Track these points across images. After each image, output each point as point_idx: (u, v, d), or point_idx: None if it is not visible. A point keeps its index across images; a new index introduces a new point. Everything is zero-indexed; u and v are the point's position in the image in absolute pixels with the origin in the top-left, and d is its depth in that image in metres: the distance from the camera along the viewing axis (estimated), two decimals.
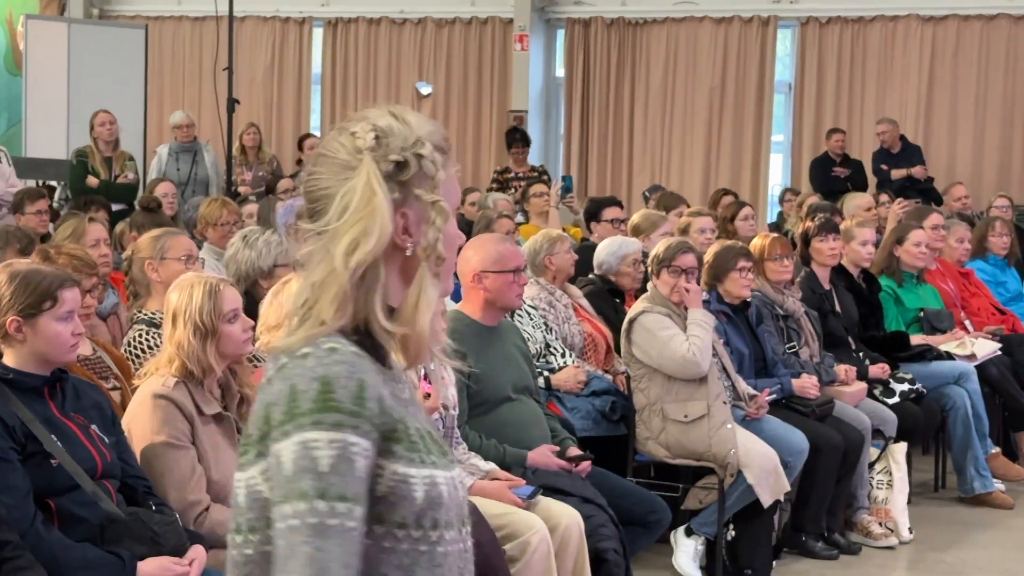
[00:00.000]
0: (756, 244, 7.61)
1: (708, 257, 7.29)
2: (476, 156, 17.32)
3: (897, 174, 14.06)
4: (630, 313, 6.85)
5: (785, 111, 16.49)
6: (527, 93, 16.98)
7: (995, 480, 8.20)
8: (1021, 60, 15.17)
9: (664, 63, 16.56)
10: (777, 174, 16.63)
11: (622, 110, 16.79)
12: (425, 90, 17.43)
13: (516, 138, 14.46)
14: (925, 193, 13.83)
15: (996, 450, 8.43)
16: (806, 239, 8.06)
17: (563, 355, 7.12)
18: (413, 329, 2.11)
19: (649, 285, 6.97)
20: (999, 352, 8.44)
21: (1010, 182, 15.11)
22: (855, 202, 10.22)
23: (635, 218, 9.03)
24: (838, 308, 8.03)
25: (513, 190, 13.44)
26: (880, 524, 7.36)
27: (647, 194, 12.61)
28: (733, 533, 6.74)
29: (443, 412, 5.34)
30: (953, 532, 7.62)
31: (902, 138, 14.40)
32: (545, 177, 14.45)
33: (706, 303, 7.16)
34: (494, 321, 5.95)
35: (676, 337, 6.61)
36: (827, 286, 8.04)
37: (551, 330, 7.24)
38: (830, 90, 15.98)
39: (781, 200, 13.38)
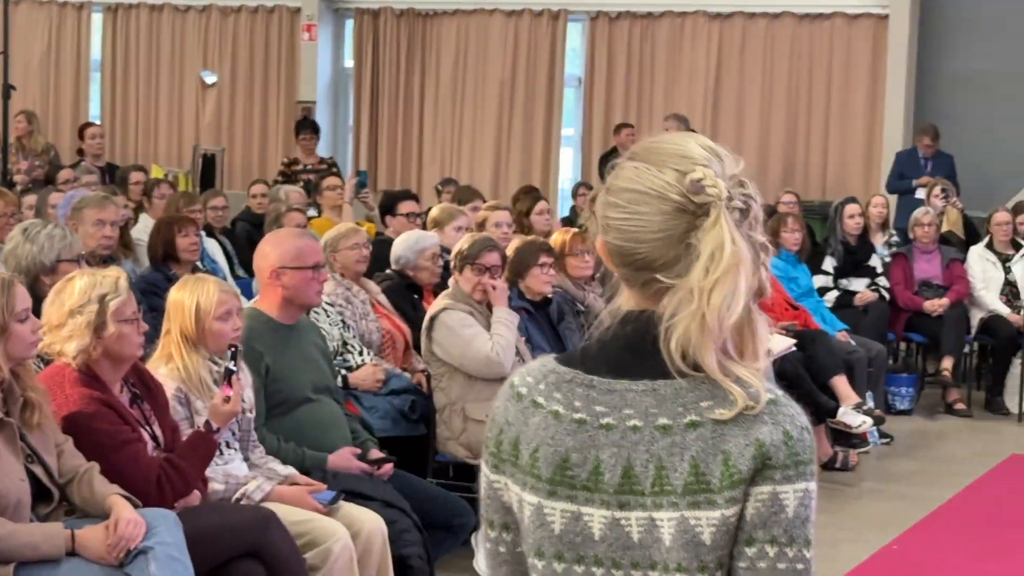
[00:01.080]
0: (557, 240, 7.51)
1: (509, 252, 7.16)
2: (263, 147, 17.00)
3: None
4: (431, 310, 6.68)
5: (575, 105, 16.50)
6: (315, 83, 16.72)
7: None
8: (804, 58, 15.41)
9: (454, 55, 16.44)
10: (568, 168, 16.64)
11: (412, 102, 16.62)
12: (210, 79, 17.02)
13: (305, 127, 14.16)
14: None
15: None
16: None
17: (361, 353, 6.91)
18: (760, 366, 2.04)
19: (451, 281, 6.81)
20: (793, 348, 8.47)
21: (794, 177, 15.35)
22: None
23: (434, 212, 8.86)
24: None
25: (301, 182, 13.14)
26: None
27: (439, 187, 12.45)
28: None
29: (239, 415, 5.10)
30: None
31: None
32: (335, 169, 14.19)
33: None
34: (292, 319, 5.72)
35: (479, 336, 6.46)
36: None
37: (348, 327, 7.02)
38: (620, 85, 16.03)
39: (574, 194, 13.34)
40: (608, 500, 2.02)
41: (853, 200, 11.31)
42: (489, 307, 6.68)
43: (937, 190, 12.31)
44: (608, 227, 2.06)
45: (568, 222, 11.92)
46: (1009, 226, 11.26)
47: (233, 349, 4.97)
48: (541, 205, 10.10)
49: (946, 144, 14.05)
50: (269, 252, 5.65)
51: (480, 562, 6.51)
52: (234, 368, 4.93)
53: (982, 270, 11.12)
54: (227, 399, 4.88)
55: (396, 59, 16.61)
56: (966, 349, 11.18)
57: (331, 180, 10.54)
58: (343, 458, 5.58)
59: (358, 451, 5.67)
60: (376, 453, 5.77)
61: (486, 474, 2.16)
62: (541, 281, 7.08)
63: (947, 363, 10.61)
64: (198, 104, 17.25)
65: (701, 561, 1.99)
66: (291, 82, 16.88)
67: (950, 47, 14.84)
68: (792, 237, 9.88)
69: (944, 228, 11.75)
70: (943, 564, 7.14)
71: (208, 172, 15.41)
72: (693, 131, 14.09)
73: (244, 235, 10.66)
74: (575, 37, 16.45)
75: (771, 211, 11.02)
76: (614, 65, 16.04)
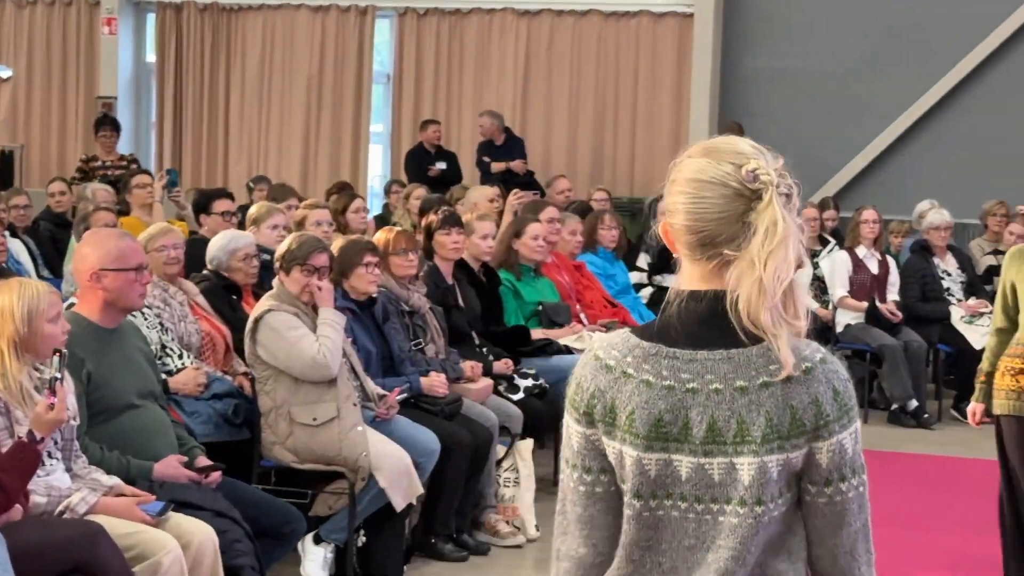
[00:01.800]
0: (380, 238, 7.37)
1: (332, 252, 7.00)
2: (61, 143, 16.53)
3: (497, 167, 14.12)
4: (255, 311, 6.50)
5: (384, 101, 16.36)
6: (116, 79, 16.30)
7: None
8: (611, 56, 15.50)
9: (260, 51, 16.19)
10: (377, 165, 16.49)
11: (217, 98, 16.32)
12: (4, 73, 16.46)
13: (105, 124, 13.76)
14: (527, 186, 13.89)
15: None
16: (429, 232, 7.87)
17: (180, 356, 6.68)
18: (801, 324, 2.47)
19: (275, 282, 6.63)
20: None
21: (603, 174, 15.44)
22: (479, 194, 10.11)
23: (252, 210, 8.65)
24: (461, 303, 7.88)
25: (99, 179, 12.77)
26: (508, 523, 7.26)
27: (251, 184, 12.22)
28: (364, 539, 6.50)
29: (63, 423, 4.88)
30: None
31: (506, 130, 14.47)
32: (135, 167, 13.82)
33: None
34: (114, 323, 5.51)
35: (305, 338, 6.31)
36: (451, 280, 7.89)
37: (167, 330, 6.78)
38: (428, 81, 15.94)
39: (387, 192, 13.22)
40: (695, 449, 2.46)
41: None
42: (315, 308, 6.53)
43: None
44: (676, 211, 2.51)
45: (381, 220, 11.80)
46: (816, 222, 11.46)
47: (58, 354, 4.75)
48: (357, 203, 9.94)
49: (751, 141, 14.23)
50: (89, 254, 5.42)
51: (307, 567, 6.38)
52: (59, 374, 4.71)
53: None
54: (51, 407, 4.66)
55: (200, 54, 16.28)
56: None
57: (140, 178, 10.22)
58: (170, 466, 5.38)
59: (185, 459, 5.48)
60: (203, 460, 5.58)
61: (579, 430, 2.55)
62: (366, 281, 6.94)
63: None
64: None
65: (768, 493, 2.45)
66: (91, 77, 16.43)
67: (753, 45, 15.07)
68: (609, 234, 9.90)
69: None
70: None
71: (5, 169, 14.91)
72: (508, 128, 14.18)
73: (47, 235, 10.33)
74: (383, 33, 16.31)
75: (586, 209, 11.06)
76: (423, 62, 15.95)
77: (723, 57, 15.14)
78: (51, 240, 10.23)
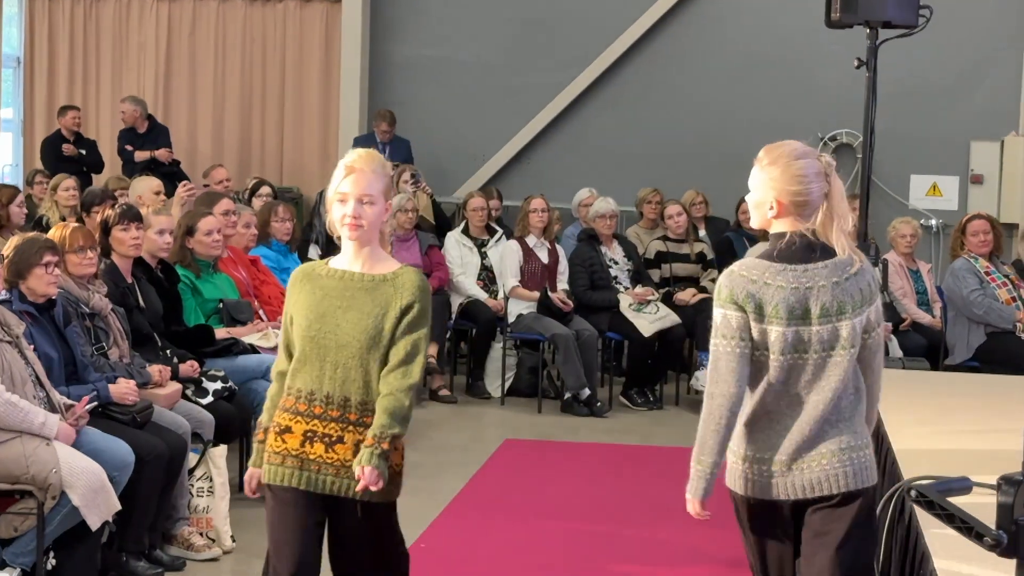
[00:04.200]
0: (55, 235, 6.83)
1: (7, 251, 6.45)
2: None
3: (141, 156, 13.51)
4: None
5: (15, 86, 15.46)
6: None
7: None
8: (257, 42, 15.09)
9: None
10: (7, 153, 15.57)
11: None
12: None
13: None
14: (171, 176, 13.34)
15: None
16: (106, 228, 7.37)
17: None
18: (850, 240, 4.32)
19: None
20: None
21: (251, 162, 15.03)
22: (143, 186, 9.56)
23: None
24: (142, 303, 7.41)
25: None
26: (202, 534, 6.86)
27: None
28: (54, 561, 6.00)
29: None
30: None
31: (150, 118, 13.86)
32: None
33: (7, 303, 6.34)
34: None
35: None
36: (130, 279, 7.40)
37: None
38: (63, 65, 15.17)
39: (31, 182, 12.45)
40: (814, 322, 4.17)
41: None
42: None
43: (406, 175, 12.30)
44: (786, 191, 4.21)
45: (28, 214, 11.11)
46: (484, 211, 11.39)
47: None
48: (20, 196, 9.28)
49: (401, 130, 14.12)
50: None
51: None
52: None
53: (460, 255, 11.20)
54: None
55: None
56: (448, 335, 11.22)
57: None
58: None
59: None
60: None
61: (739, 315, 4.15)
62: (46, 282, 6.40)
63: (431, 350, 10.59)
64: None
65: (856, 340, 4.19)
66: None
67: (402, 33, 14.92)
68: (283, 227, 9.56)
69: None
70: (477, 557, 7.04)
71: None
72: (151, 115, 13.59)
73: None
74: (11, 15, 15.40)
75: (243, 200, 10.66)
76: (56, 44, 15.18)
77: (372, 44, 14.93)
78: None
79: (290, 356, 4.61)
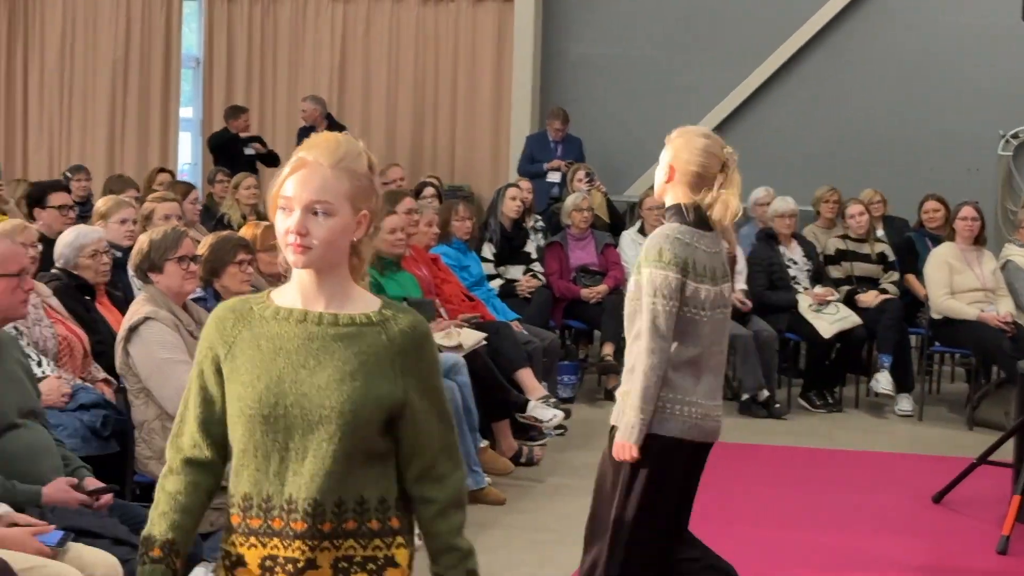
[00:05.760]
0: (248, 233, 6.94)
1: (202, 250, 6.55)
2: None
3: None
4: (130, 318, 6.00)
5: (194, 86, 15.76)
6: None
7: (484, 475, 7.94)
8: (430, 41, 15.18)
9: (60, 33, 15.44)
10: (186, 152, 15.88)
11: (15, 83, 15.56)
12: None
13: None
14: None
15: (485, 444, 8.17)
16: None
17: (39, 364, 6.18)
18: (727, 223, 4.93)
19: (146, 286, 6.15)
20: (484, 342, 8.18)
21: (423, 161, 15.12)
22: None
23: (100, 204, 8.11)
24: None
25: None
26: None
27: (68, 175, 11.58)
28: None
29: None
30: None
31: (328, 117, 14.03)
32: None
33: (202, 300, 6.45)
34: None
35: (177, 366, 5.78)
36: None
37: (21, 334, 6.26)
38: (240, 66, 15.41)
39: (212, 181, 12.67)
40: (719, 282, 4.83)
41: (515, 185, 11.12)
42: (187, 308, 6.10)
43: (581, 174, 12.28)
44: (681, 159, 4.83)
45: (206, 211, 11.31)
46: (660, 210, 11.30)
47: None
48: (194, 193, 9.45)
49: (574, 128, 14.11)
50: None
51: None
52: None
53: (635, 254, 11.11)
54: None
55: None
56: (623, 333, 11.14)
57: None
58: (59, 490, 4.90)
59: (74, 481, 5.00)
60: (93, 482, 5.10)
61: (678, 277, 4.69)
62: (239, 280, 6.51)
63: (608, 349, 10.56)
64: None
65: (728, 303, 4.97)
66: None
67: (575, 31, 14.90)
68: (463, 225, 9.60)
69: None
70: None
71: None
72: (329, 115, 13.73)
73: None
74: (192, 16, 15.70)
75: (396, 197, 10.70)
76: (234, 45, 15.42)
77: (544, 42, 14.94)
78: None
79: (211, 440, 3.15)
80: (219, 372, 3.10)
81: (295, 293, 3.09)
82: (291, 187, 3.02)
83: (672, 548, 5.00)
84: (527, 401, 8.33)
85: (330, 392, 3.00)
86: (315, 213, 3.00)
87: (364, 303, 3.11)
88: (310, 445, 3.02)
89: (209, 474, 3.17)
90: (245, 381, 3.04)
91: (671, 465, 4.85)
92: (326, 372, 3.02)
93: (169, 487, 3.15)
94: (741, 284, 10.80)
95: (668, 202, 4.84)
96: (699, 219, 4.76)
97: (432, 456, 3.10)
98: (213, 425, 3.12)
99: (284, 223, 3.03)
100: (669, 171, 4.81)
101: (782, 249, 10.96)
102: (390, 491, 3.09)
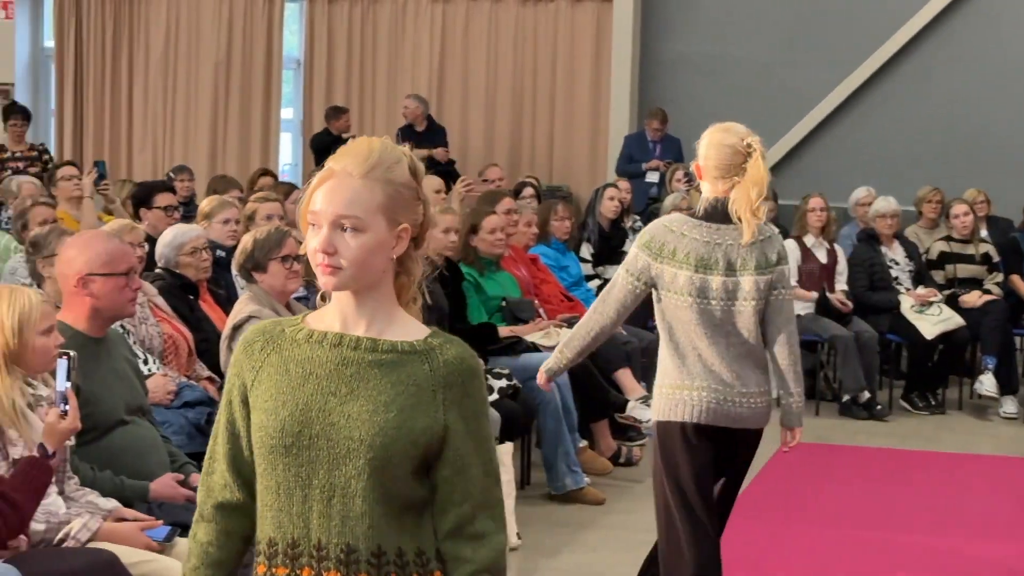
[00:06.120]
0: None
1: (304, 250, 6.59)
2: None
3: (418, 153, 13.70)
4: (234, 317, 6.06)
5: (295, 87, 15.91)
6: (13, 65, 15.65)
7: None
8: (528, 42, 15.19)
9: (164, 35, 15.66)
10: (287, 153, 16.04)
11: (120, 85, 15.78)
12: None
13: (15, 113, 13.17)
14: (445, 175, 13.55)
15: (584, 444, 8.18)
16: None
17: (146, 362, 6.27)
18: (761, 216, 5.03)
19: (250, 285, 6.22)
20: None
21: (521, 161, 15.15)
22: (425, 185, 9.70)
23: (204, 204, 8.22)
24: (430, 300, 7.51)
25: (9, 171, 12.21)
26: None
27: (172, 175, 11.73)
28: None
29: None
30: (556, 534, 7.29)
31: (428, 117, 14.11)
32: (47, 156, 13.28)
33: (304, 300, 6.52)
34: (101, 332, 5.09)
35: None
36: None
37: (128, 333, 6.36)
38: (340, 67, 15.53)
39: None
40: (721, 273, 4.92)
41: (614, 185, 11.12)
42: (289, 308, 6.16)
43: (680, 174, 12.25)
44: (703, 156, 5.01)
45: None
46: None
47: (66, 357, 4.34)
48: (296, 193, 9.53)
49: (673, 128, 14.07)
50: (75, 257, 5.00)
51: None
52: (69, 381, 4.31)
53: None
54: (64, 414, 4.27)
55: (101, 39, 15.72)
56: None
57: (66, 170, 9.72)
58: (166, 486, 4.98)
59: (181, 476, 5.08)
60: (199, 478, 5.17)
61: (643, 257, 4.99)
62: None
63: None
64: None
65: (759, 295, 4.95)
66: None
67: (674, 30, 14.87)
68: (562, 225, 9.61)
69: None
70: (756, 560, 6.96)
71: None
72: (430, 115, 13.80)
73: None
74: (293, 17, 15.85)
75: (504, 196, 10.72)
76: (334, 47, 15.54)
77: (643, 42, 14.91)
78: None
79: (241, 480, 2.82)
80: (246, 403, 2.78)
81: (333, 315, 2.76)
82: (319, 201, 2.70)
83: (708, 527, 5.12)
84: (626, 401, 8.34)
85: (361, 423, 2.67)
86: (343, 229, 2.68)
87: (409, 329, 2.77)
88: (337, 482, 2.68)
89: (243, 519, 2.82)
90: (268, 408, 2.71)
91: (675, 447, 5.05)
92: (358, 401, 2.69)
93: (201, 536, 2.84)
94: (842, 285, 10.71)
95: (703, 194, 5.04)
96: (712, 212, 4.94)
97: (471, 509, 2.73)
98: (243, 463, 2.79)
99: (312, 241, 2.70)
100: (696, 168, 5.05)
101: (884, 249, 10.86)
102: (428, 543, 2.74)
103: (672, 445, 5.06)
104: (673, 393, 5.01)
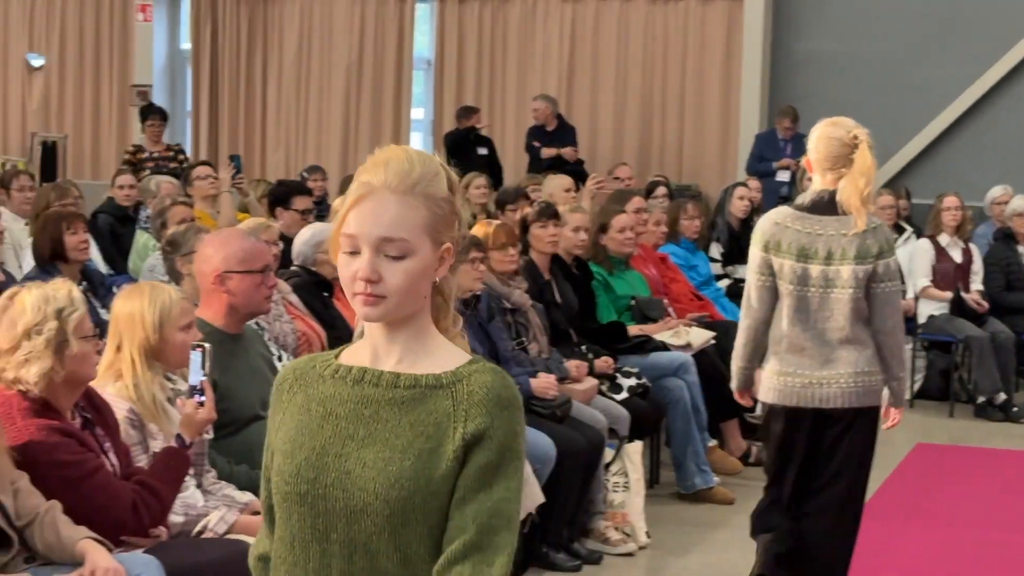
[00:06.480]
0: (479, 232, 7.04)
1: None
2: (95, 133, 16.16)
3: (547, 152, 13.81)
4: None
5: (425, 88, 16.04)
6: (150, 66, 15.96)
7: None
8: (658, 41, 15.15)
9: (298, 37, 15.86)
10: None
11: (254, 86, 16.00)
12: (36, 62, 16.13)
13: (153, 113, 13.43)
14: (574, 175, 13.56)
15: (713, 443, 8.17)
16: (524, 225, 7.55)
17: (279, 359, 6.36)
18: (870, 207, 5.36)
19: None
20: (712, 341, 8.17)
21: (650, 160, 15.11)
22: (555, 184, 9.77)
23: (336, 204, 8.31)
24: (559, 299, 7.56)
25: (147, 170, 12.45)
26: (617, 529, 6.93)
27: (305, 175, 11.89)
28: None
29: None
30: (685, 533, 7.28)
31: (559, 117, 14.14)
32: (182, 156, 13.53)
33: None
34: (238, 328, 5.19)
35: None
36: (547, 275, 7.56)
37: (262, 330, 6.47)
38: (471, 67, 15.62)
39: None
40: (820, 262, 5.22)
41: (744, 184, 11.06)
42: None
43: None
44: (811, 150, 5.31)
45: None
46: (893, 209, 11.14)
47: (202, 349, 4.44)
48: None
49: (804, 126, 13.93)
50: (213, 255, 5.10)
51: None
52: (205, 373, 4.41)
53: None
54: (201, 404, 4.37)
55: (236, 41, 15.96)
56: None
57: (201, 169, 9.89)
58: None
59: None
60: None
61: (759, 254, 5.35)
62: (472, 278, 6.61)
63: None
64: (23, 88, 16.35)
65: (858, 283, 5.21)
66: (125, 65, 16.11)
67: (805, 28, 14.74)
68: (692, 224, 9.58)
69: None
70: (889, 562, 6.90)
71: (50, 161, 14.57)
72: (560, 114, 13.82)
73: (107, 229, 9.98)
74: (423, 18, 15.98)
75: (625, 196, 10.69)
76: (464, 47, 15.62)
77: (774, 40, 14.80)
78: (111, 234, 9.89)
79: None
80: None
81: (365, 349, 2.45)
82: (355, 221, 2.34)
83: (789, 504, 5.52)
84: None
85: (375, 474, 2.35)
86: (385, 256, 2.34)
87: (444, 359, 2.43)
88: (358, 538, 2.36)
89: None
90: (286, 451, 2.42)
91: (774, 427, 5.49)
92: (375, 446, 2.37)
93: None
94: (977, 285, 10.56)
95: (812, 187, 5.33)
96: (817, 203, 5.23)
97: (462, 548, 2.33)
98: (274, 511, 2.50)
99: (350, 267, 2.35)
100: (806, 162, 5.35)
101: (1021, 249, 10.69)
102: None
103: (770, 425, 5.53)
104: (770, 378, 5.40)
